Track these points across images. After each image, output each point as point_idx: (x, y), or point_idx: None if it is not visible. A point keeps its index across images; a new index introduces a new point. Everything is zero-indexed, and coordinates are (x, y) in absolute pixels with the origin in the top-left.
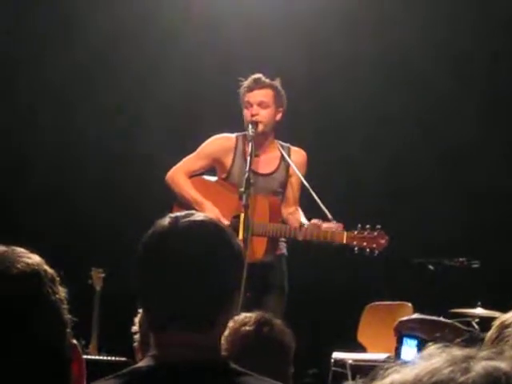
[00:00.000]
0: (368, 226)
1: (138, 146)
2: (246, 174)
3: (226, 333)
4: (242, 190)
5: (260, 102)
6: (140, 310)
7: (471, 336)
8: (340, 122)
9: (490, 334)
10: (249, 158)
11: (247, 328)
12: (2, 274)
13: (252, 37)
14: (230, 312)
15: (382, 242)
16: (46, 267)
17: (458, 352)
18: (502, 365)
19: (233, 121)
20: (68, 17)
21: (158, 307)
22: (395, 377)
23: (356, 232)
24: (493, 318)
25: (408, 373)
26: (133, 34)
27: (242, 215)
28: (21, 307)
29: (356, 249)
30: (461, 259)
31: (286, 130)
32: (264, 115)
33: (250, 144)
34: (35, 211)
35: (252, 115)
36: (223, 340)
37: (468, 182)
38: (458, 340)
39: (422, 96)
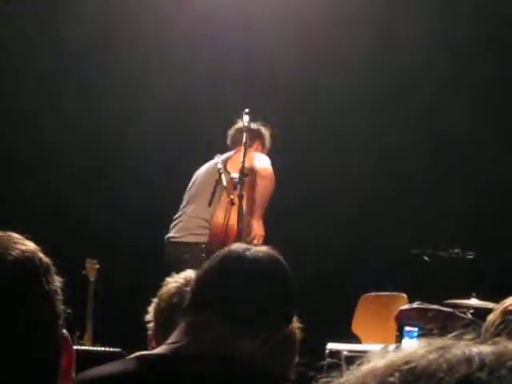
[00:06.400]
0: None
1: (132, 137)
2: (241, 165)
3: None
4: (237, 179)
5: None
6: (154, 300)
7: (473, 325)
8: (333, 112)
9: (492, 319)
10: (243, 149)
11: None
12: (2, 260)
13: (247, 28)
14: (266, 334)
15: None
16: (41, 255)
17: (441, 340)
18: (479, 347)
19: (230, 113)
20: (59, 12)
21: (205, 301)
22: (374, 363)
23: None
24: (487, 309)
25: (386, 358)
26: (127, 28)
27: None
28: (12, 296)
29: None
30: (456, 250)
31: (281, 122)
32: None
33: (245, 134)
34: (30, 202)
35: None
36: None
37: (463, 173)
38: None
39: (417, 85)
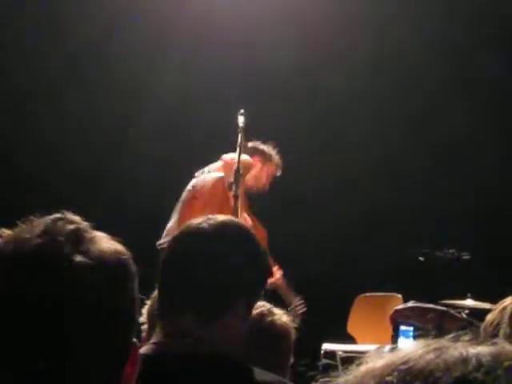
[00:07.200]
0: None
1: (132, 137)
2: (236, 165)
3: None
4: (231, 180)
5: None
6: (148, 302)
7: (468, 324)
8: (333, 112)
9: (491, 319)
10: (238, 149)
11: None
12: (99, 258)
13: (247, 28)
14: (237, 309)
15: None
16: (132, 261)
17: (438, 341)
18: (476, 349)
19: (230, 113)
20: (59, 12)
21: (169, 295)
22: (373, 363)
23: None
24: (483, 310)
25: (385, 358)
26: (127, 28)
27: None
28: (102, 298)
29: None
30: (451, 251)
31: (278, 121)
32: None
33: (240, 135)
34: (30, 202)
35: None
36: None
37: (459, 174)
38: (455, 328)
39: (417, 85)
